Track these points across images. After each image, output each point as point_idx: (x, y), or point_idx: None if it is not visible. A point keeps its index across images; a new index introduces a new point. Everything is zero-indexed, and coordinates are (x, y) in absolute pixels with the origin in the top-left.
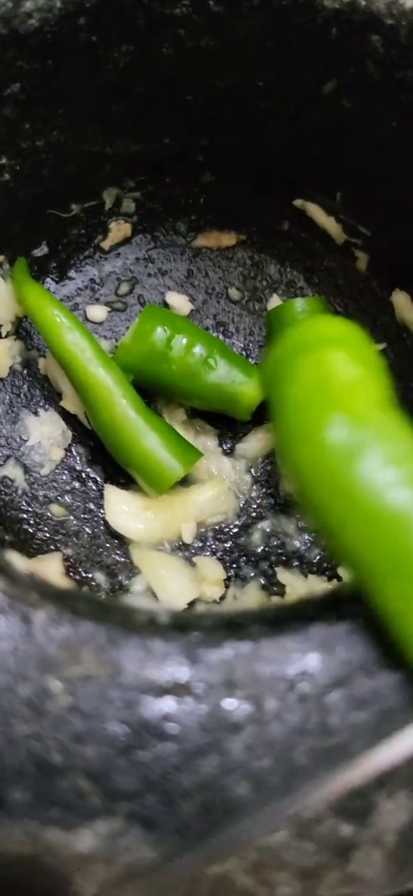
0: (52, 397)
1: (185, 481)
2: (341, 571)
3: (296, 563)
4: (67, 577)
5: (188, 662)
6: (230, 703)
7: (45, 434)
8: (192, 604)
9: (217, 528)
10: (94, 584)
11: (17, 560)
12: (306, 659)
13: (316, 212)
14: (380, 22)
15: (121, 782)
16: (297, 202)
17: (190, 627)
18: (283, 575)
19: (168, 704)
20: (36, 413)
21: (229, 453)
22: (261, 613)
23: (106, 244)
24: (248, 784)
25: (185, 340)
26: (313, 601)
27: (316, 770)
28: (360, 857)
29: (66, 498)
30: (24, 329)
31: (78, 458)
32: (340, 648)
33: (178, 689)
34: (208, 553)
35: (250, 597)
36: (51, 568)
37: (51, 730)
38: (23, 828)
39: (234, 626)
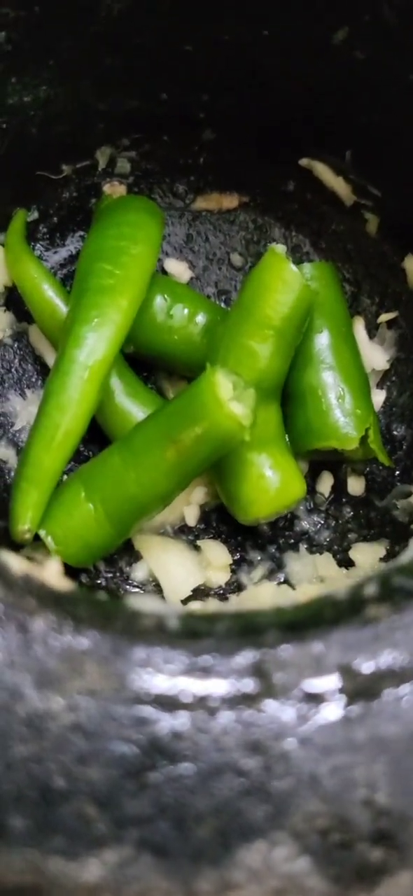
0: (44, 373)
1: None
2: (353, 554)
3: (305, 546)
4: (67, 576)
5: (201, 674)
6: (247, 719)
7: (33, 414)
8: (196, 590)
9: (221, 508)
10: (92, 571)
11: (12, 561)
12: (328, 671)
13: (323, 171)
14: None
15: (129, 807)
16: (304, 161)
17: (201, 634)
18: (291, 560)
19: (180, 721)
20: (22, 394)
21: None
22: (276, 617)
23: None
24: (268, 806)
25: (186, 310)
26: (333, 600)
27: (342, 792)
28: (388, 882)
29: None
30: (15, 298)
31: None
32: (364, 659)
33: (190, 705)
34: (212, 535)
35: (260, 590)
36: (49, 568)
37: (52, 751)
38: (23, 857)
39: (249, 632)
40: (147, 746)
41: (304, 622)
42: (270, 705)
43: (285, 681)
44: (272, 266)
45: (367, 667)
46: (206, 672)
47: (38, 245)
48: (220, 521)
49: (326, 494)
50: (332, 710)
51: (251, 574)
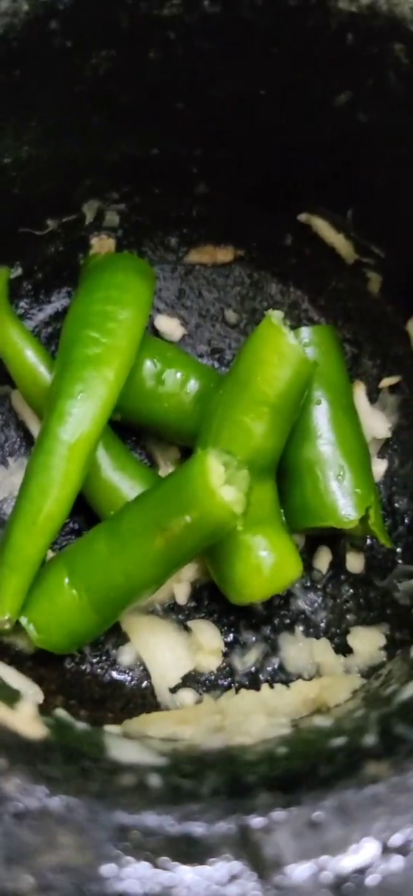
0: (27, 440)
1: None
2: (351, 640)
3: (301, 628)
4: (40, 717)
5: (185, 850)
6: None
7: (16, 485)
8: (186, 676)
9: (213, 585)
10: (78, 656)
11: None
12: (320, 848)
13: (323, 227)
14: (404, 28)
15: None
16: (302, 216)
17: (185, 795)
18: (286, 643)
19: None
20: (4, 463)
21: None
22: (268, 769)
23: None
24: None
25: (178, 375)
26: (329, 751)
27: None
28: None
29: (48, 553)
30: None
31: None
32: (361, 830)
33: (172, 888)
34: (204, 615)
35: (251, 698)
36: (22, 713)
37: None
38: None
39: (237, 793)
40: None
41: (298, 779)
42: (261, 886)
43: (276, 858)
44: (268, 337)
45: (364, 840)
46: (189, 845)
47: (22, 302)
48: (211, 599)
49: (324, 571)
50: (327, 892)
51: (244, 658)
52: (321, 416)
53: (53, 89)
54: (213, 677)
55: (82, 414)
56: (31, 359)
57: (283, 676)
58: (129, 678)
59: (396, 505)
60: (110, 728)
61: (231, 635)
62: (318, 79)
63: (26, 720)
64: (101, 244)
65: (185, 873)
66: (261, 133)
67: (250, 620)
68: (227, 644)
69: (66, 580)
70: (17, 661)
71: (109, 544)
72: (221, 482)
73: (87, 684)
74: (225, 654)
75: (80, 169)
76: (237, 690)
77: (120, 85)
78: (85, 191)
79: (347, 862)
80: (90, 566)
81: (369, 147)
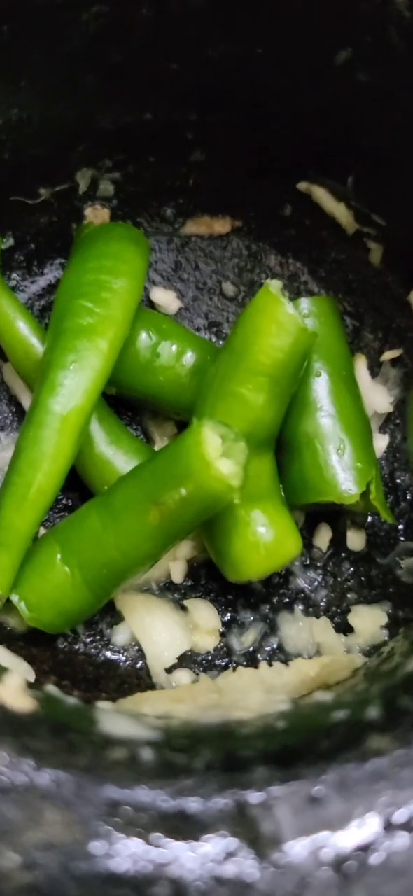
0: (20, 415)
1: None
2: (352, 618)
3: (300, 607)
4: (29, 690)
5: (178, 827)
6: (232, 880)
7: (8, 461)
8: (183, 656)
9: (210, 563)
10: (71, 635)
11: None
12: (322, 822)
13: (323, 196)
14: None
15: None
16: (302, 185)
17: (179, 770)
18: (285, 623)
19: (153, 886)
20: None
21: None
22: (266, 743)
23: None
24: None
25: (174, 348)
26: (330, 724)
27: None
28: None
29: (40, 529)
30: None
31: None
32: (364, 805)
33: (164, 865)
34: (201, 594)
35: (249, 676)
36: (8, 686)
37: None
38: None
39: (232, 768)
40: None
41: (296, 753)
42: (257, 863)
43: (274, 835)
44: (266, 307)
45: (367, 815)
46: (183, 821)
47: (14, 274)
48: (208, 578)
49: (324, 549)
50: (328, 869)
51: (242, 637)
52: (321, 388)
53: (43, 48)
54: (210, 657)
55: (75, 385)
56: (23, 331)
57: (283, 657)
58: (123, 658)
59: (398, 481)
60: (102, 704)
61: (228, 614)
62: (316, 36)
63: (13, 693)
64: (96, 214)
65: (179, 850)
66: (258, 96)
67: (248, 599)
68: (224, 623)
69: (59, 557)
70: (9, 640)
71: (102, 519)
72: (218, 454)
73: (81, 664)
74: (222, 634)
75: (72, 134)
76: (235, 670)
77: (111, 44)
78: (78, 157)
79: (349, 839)
80: (83, 542)
81: (370, 109)
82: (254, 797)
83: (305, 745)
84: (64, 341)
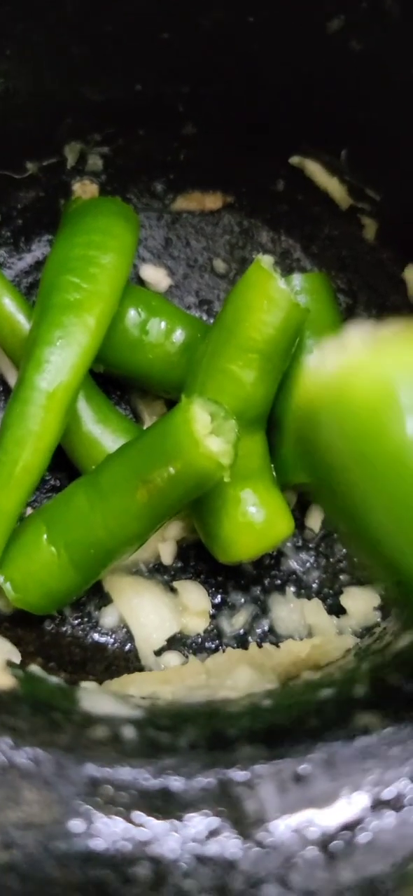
0: (6, 394)
1: None
2: (344, 600)
3: (292, 589)
4: (9, 669)
5: (159, 806)
6: (214, 859)
7: None
8: (172, 639)
9: (200, 544)
10: (58, 617)
11: None
12: (308, 801)
13: (316, 171)
14: None
15: None
16: (294, 159)
17: (162, 748)
18: (277, 605)
19: (134, 865)
20: None
21: None
22: (251, 721)
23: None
24: None
25: (163, 325)
26: (318, 702)
27: None
28: None
29: (28, 510)
30: None
31: None
32: (351, 783)
33: (146, 843)
34: (190, 575)
35: (238, 657)
36: None
37: None
38: None
39: (217, 746)
40: (94, 894)
41: (283, 732)
42: (240, 843)
43: (258, 813)
44: (257, 282)
45: (354, 793)
46: (165, 800)
47: (1, 251)
48: (198, 559)
49: (316, 530)
50: (313, 848)
51: (233, 620)
52: None
53: (28, 14)
54: (199, 640)
55: (61, 362)
56: (8, 307)
57: (274, 639)
58: (111, 640)
59: None
60: (86, 684)
61: (219, 596)
62: (309, 3)
63: None
64: (84, 189)
65: (160, 829)
66: (250, 66)
67: (239, 581)
68: (214, 605)
69: (45, 536)
70: None
71: (89, 498)
72: (207, 432)
73: (68, 646)
74: (212, 616)
75: (60, 106)
76: (224, 651)
77: (100, 13)
78: (66, 130)
79: (336, 817)
80: (69, 522)
81: (364, 79)
82: (238, 776)
83: (292, 724)
84: (51, 317)
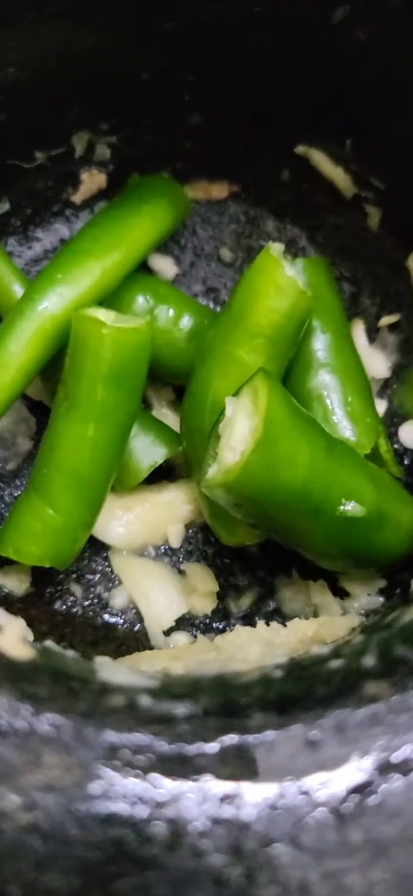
0: None
1: (171, 475)
2: (345, 582)
3: (297, 569)
4: (27, 642)
5: (175, 768)
6: (228, 819)
7: (6, 427)
8: (180, 619)
9: (207, 528)
10: (69, 598)
11: None
12: (319, 764)
13: (321, 160)
14: None
15: None
16: (299, 149)
17: (177, 715)
18: (282, 586)
19: (151, 823)
20: None
21: None
22: (262, 690)
23: (77, 198)
24: None
25: (170, 312)
26: (327, 672)
27: None
28: None
29: None
30: None
31: None
32: (360, 748)
33: (163, 804)
34: (198, 558)
35: (247, 635)
36: (8, 636)
37: (6, 856)
38: None
39: (230, 713)
40: (113, 852)
41: (293, 700)
42: (254, 804)
43: (270, 776)
44: (266, 269)
45: (363, 758)
46: (181, 764)
47: (11, 240)
48: (206, 542)
49: None
50: (324, 810)
51: (239, 601)
52: (323, 345)
53: (35, 6)
54: (207, 620)
55: (56, 295)
56: (19, 294)
57: (280, 619)
58: (121, 621)
59: (396, 446)
60: (100, 658)
61: (225, 578)
62: None
63: (13, 642)
64: (92, 179)
65: (177, 790)
66: (255, 56)
67: (245, 564)
68: (221, 587)
69: (37, 501)
70: (6, 603)
71: (64, 424)
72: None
73: (79, 626)
74: (220, 597)
75: (67, 95)
76: (232, 630)
77: (107, 3)
78: (73, 120)
79: (345, 781)
80: (58, 454)
81: (368, 68)
82: (251, 740)
83: (302, 693)
84: (59, 258)
